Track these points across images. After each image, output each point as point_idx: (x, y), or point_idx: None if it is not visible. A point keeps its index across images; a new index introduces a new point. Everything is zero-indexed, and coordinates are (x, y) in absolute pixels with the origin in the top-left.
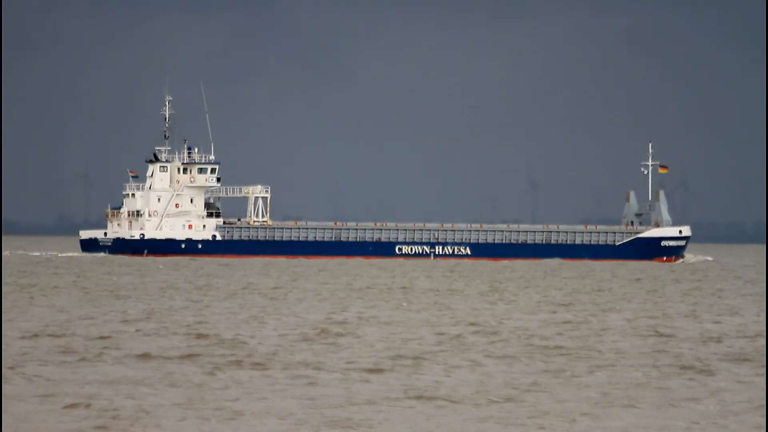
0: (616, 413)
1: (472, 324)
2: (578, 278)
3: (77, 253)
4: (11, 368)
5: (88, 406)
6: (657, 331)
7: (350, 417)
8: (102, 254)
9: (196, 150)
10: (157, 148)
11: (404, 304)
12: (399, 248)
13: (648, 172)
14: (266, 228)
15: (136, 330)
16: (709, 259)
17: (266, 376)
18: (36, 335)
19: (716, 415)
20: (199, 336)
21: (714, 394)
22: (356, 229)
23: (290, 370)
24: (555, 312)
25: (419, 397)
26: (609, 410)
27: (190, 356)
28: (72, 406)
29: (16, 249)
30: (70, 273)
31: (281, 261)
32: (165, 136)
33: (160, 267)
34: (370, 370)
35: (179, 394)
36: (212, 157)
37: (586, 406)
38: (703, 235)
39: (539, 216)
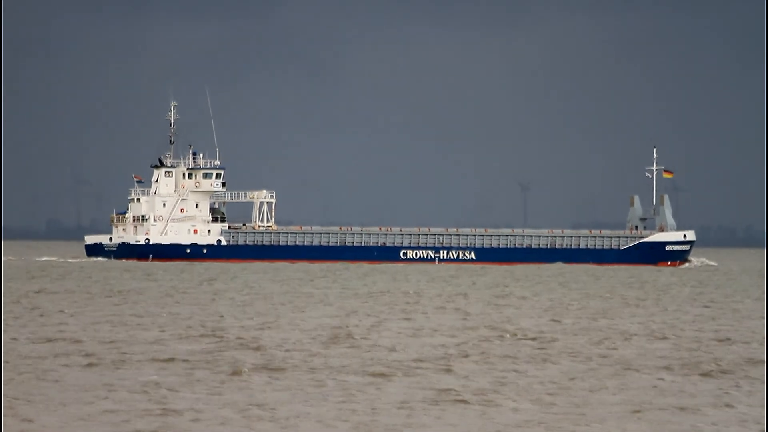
0: (645, 418)
1: (488, 327)
2: (586, 282)
3: (82, 258)
4: (36, 375)
5: (113, 411)
6: (675, 335)
7: (378, 419)
8: (107, 259)
9: (201, 155)
10: (165, 153)
11: (422, 307)
12: (404, 253)
13: (652, 177)
14: (271, 233)
15: (156, 335)
16: (713, 263)
17: (293, 380)
18: (52, 340)
19: (743, 420)
20: (219, 339)
21: (738, 399)
22: (361, 234)
23: (316, 373)
24: (570, 316)
25: (447, 401)
26: (637, 415)
27: (212, 361)
28: (98, 411)
29: (15, 254)
30: (80, 278)
31: (290, 266)
32: (170, 141)
33: (161, 272)
34: (394, 375)
35: (205, 399)
36: (217, 162)
37: (614, 411)
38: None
39: (531, 220)
